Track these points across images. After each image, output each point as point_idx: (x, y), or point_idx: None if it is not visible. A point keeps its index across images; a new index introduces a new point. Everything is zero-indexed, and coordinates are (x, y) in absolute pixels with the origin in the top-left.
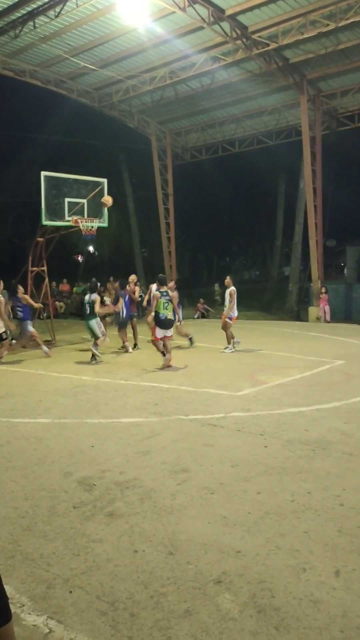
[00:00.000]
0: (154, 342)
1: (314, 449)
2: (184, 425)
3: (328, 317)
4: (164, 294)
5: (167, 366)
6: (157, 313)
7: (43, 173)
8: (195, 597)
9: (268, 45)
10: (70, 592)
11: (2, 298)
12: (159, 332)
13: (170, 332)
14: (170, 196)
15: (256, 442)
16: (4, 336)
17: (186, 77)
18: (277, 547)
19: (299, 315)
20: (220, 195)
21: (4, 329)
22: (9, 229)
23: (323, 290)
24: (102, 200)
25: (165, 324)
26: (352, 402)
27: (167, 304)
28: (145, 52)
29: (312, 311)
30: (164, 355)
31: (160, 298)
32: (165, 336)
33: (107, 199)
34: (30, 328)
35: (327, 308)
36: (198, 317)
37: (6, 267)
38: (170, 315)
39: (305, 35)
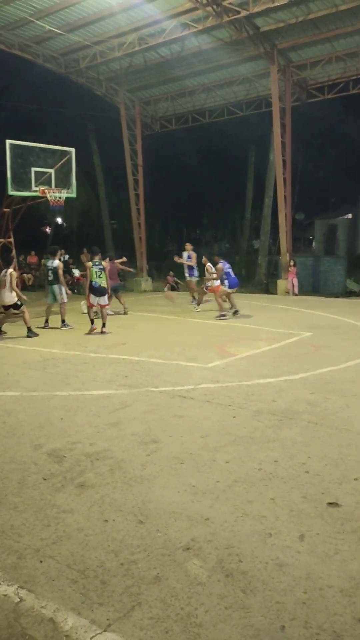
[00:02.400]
0: (89, 308)
1: (281, 419)
2: (153, 396)
3: (296, 290)
4: (97, 263)
5: (94, 330)
6: (90, 282)
7: (8, 141)
8: (165, 564)
9: (239, 12)
10: (41, 561)
11: (14, 272)
12: (93, 300)
13: (104, 300)
14: (139, 167)
15: (225, 413)
16: (19, 303)
17: (156, 43)
18: (245, 513)
19: (268, 288)
20: (190, 167)
21: (17, 299)
22: None
23: (292, 263)
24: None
25: (97, 291)
26: (318, 373)
27: (99, 273)
28: (113, 16)
29: (281, 284)
30: (92, 322)
31: (92, 267)
32: (99, 304)
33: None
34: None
35: (295, 281)
36: (168, 290)
37: None
38: (103, 284)
39: (277, 4)
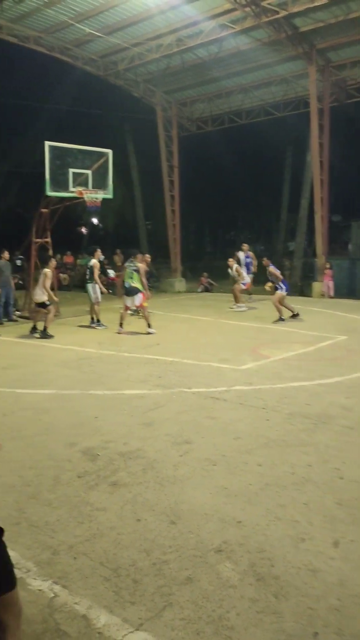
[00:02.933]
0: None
1: (315, 423)
2: (186, 397)
3: (332, 293)
4: (130, 264)
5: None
6: (122, 282)
7: (47, 143)
8: (197, 565)
9: (278, 12)
10: (75, 558)
11: (48, 271)
12: (125, 300)
13: (133, 301)
14: (175, 168)
15: (258, 415)
16: (47, 303)
17: (194, 45)
18: (277, 517)
19: (303, 290)
20: (226, 168)
21: (46, 298)
22: (12, 200)
23: (327, 265)
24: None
25: (127, 291)
26: (353, 377)
27: (131, 274)
28: (152, 18)
29: (316, 286)
30: (120, 325)
31: (127, 268)
32: (134, 304)
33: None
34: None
35: (331, 284)
36: (202, 291)
37: (10, 238)
38: (133, 284)
39: (316, 3)
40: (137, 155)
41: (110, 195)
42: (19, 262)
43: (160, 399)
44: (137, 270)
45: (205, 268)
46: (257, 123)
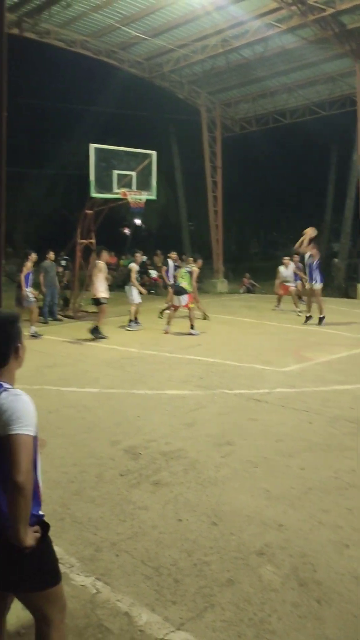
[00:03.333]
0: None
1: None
2: (228, 399)
3: None
4: (187, 266)
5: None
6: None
7: (92, 145)
8: (238, 567)
9: (324, 10)
10: (117, 555)
11: (102, 265)
12: (174, 299)
13: (179, 301)
14: (218, 169)
15: (301, 418)
16: (102, 300)
17: (239, 45)
18: (320, 522)
19: (347, 292)
20: (269, 168)
21: (104, 295)
22: (58, 201)
23: None
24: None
25: (175, 290)
26: None
27: (183, 274)
28: (197, 19)
29: None
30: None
31: (182, 268)
32: (181, 304)
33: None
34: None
35: None
36: (244, 292)
37: (55, 238)
38: (182, 284)
39: None
40: (180, 156)
41: (153, 197)
42: (63, 263)
43: (201, 399)
44: (191, 273)
45: (247, 269)
46: (301, 122)
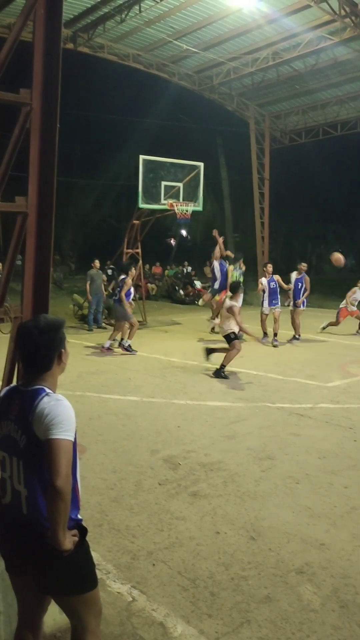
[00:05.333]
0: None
1: None
2: (270, 412)
3: None
4: (236, 267)
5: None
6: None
7: (141, 157)
8: (276, 584)
9: None
10: (154, 564)
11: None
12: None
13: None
14: (266, 180)
15: (345, 435)
16: (232, 336)
17: (290, 57)
18: None
19: None
20: (318, 180)
21: (234, 330)
22: (106, 211)
23: None
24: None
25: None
26: None
27: (237, 275)
28: (248, 33)
29: None
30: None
31: (233, 271)
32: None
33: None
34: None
35: None
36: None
37: (102, 247)
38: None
39: None
40: (227, 167)
41: (200, 208)
42: (109, 272)
43: (243, 412)
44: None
45: None
46: (352, 134)
